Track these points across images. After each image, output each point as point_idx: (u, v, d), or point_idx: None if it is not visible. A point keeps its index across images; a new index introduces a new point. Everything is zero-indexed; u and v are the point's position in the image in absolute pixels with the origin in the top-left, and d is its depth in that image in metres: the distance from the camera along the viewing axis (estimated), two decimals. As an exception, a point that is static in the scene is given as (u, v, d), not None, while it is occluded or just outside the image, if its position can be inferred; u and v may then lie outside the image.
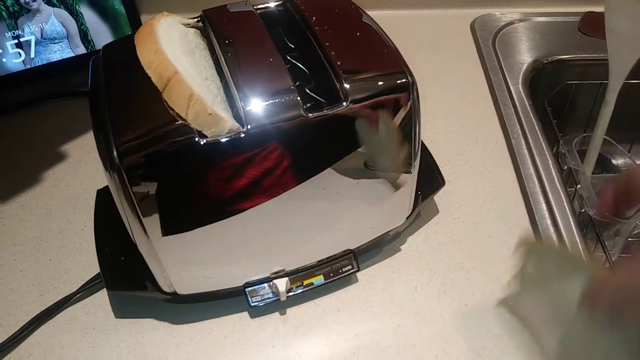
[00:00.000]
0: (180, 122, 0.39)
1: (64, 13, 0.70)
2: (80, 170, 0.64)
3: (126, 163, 0.38)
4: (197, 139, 0.38)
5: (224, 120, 0.38)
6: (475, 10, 0.84)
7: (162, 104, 0.39)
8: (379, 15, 0.50)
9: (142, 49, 0.41)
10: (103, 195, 0.55)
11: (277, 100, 0.40)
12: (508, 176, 0.63)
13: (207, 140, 0.38)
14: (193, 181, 0.41)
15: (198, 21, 0.48)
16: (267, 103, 0.40)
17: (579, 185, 0.65)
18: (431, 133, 0.67)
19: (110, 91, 0.42)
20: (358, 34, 0.47)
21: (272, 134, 0.40)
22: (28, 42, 0.70)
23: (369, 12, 0.50)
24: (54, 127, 0.69)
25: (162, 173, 0.40)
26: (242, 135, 0.39)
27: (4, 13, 0.68)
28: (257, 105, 0.40)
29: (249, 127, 0.39)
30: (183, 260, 0.46)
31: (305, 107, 0.40)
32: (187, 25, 0.46)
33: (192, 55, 0.42)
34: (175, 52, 0.40)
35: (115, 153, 0.38)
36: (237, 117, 0.40)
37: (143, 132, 0.39)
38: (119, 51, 0.46)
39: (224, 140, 0.39)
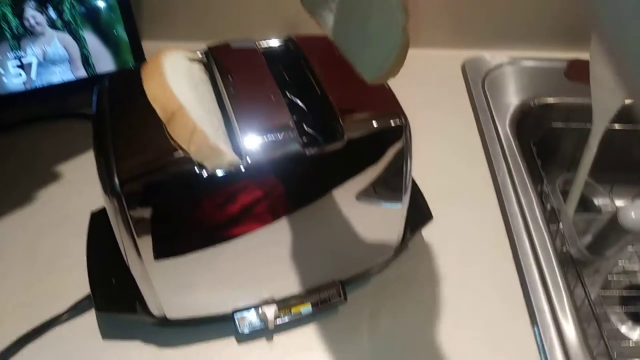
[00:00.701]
0: (181, 153, 0.40)
1: (67, 37, 0.72)
2: (74, 191, 0.65)
3: (127, 190, 0.39)
4: (197, 170, 0.40)
5: (224, 153, 0.40)
6: (466, 52, 0.87)
7: (165, 136, 0.40)
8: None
9: (149, 83, 0.42)
10: (97, 218, 0.56)
11: (276, 135, 0.42)
12: (493, 213, 0.65)
13: (207, 172, 0.40)
14: (189, 209, 0.42)
15: (202, 55, 0.50)
16: (266, 138, 0.41)
17: (561, 225, 0.68)
18: (420, 168, 0.68)
19: (114, 119, 0.44)
20: (355, 76, 0.49)
21: (270, 168, 0.42)
22: (30, 64, 0.71)
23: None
24: (49, 148, 0.70)
25: (160, 201, 0.41)
26: (241, 168, 0.41)
27: (7, 34, 0.69)
28: (256, 140, 0.41)
29: (248, 160, 0.41)
30: (174, 284, 0.46)
31: (302, 142, 0.42)
32: (192, 59, 0.48)
33: (196, 89, 0.44)
34: (180, 85, 0.42)
35: (116, 179, 0.40)
36: (236, 150, 0.42)
37: (145, 161, 0.40)
38: (125, 81, 0.47)
39: (222, 173, 0.40)
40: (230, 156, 0.40)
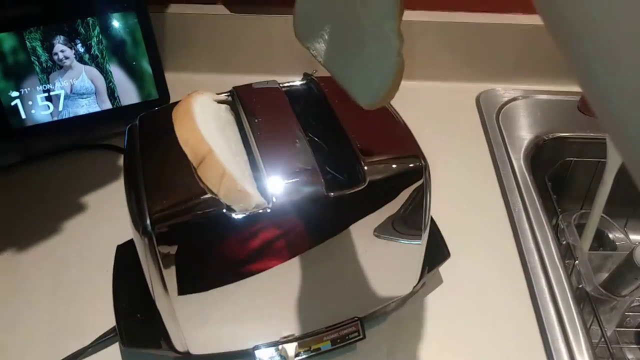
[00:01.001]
0: (210, 195, 0.41)
1: (94, 71, 0.74)
2: (99, 223, 0.66)
3: (158, 229, 0.41)
4: (226, 213, 0.41)
5: (252, 196, 0.41)
6: (481, 85, 0.88)
7: (194, 178, 0.42)
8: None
9: (180, 126, 0.44)
10: (123, 251, 0.57)
11: (300, 178, 0.43)
12: (509, 249, 0.65)
13: (235, 214, 0.41)
14: (215, 247, 0.44)
15: (228, 96, 0.52)
16: (291, 181, 0.43)
17: (577, 261, 0.68)
18: (436, 204, 0.69)
19: (145, 159, 0.45)
20: (374, 115, 0.51)
21: (293, 209, 0.43)
22: (57, 96, 0.74)
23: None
24: (75, 178, 0.72)
25: (189, 240, 0.42)
26: (268, 210, 0.42)
27: (37, 68, 0.72)
28: (282, 183, 0.43)
29: (274, 202, 0.42)
30: (198, 319, 0.48)
31: (325, 185, 0.44)
32: (219, 101, 0.50)
33: (223, 132, 0.46)
34: (209, 129, 0.44)
35: (148, 219, 0.41)
36: (262, 191, 0.43)
37: (176, 202, 0.42)
38: (155, 121, 0.49)
39: (250, 214, 0.42)
40: (257, 199, 0.42)
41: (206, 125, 0.44)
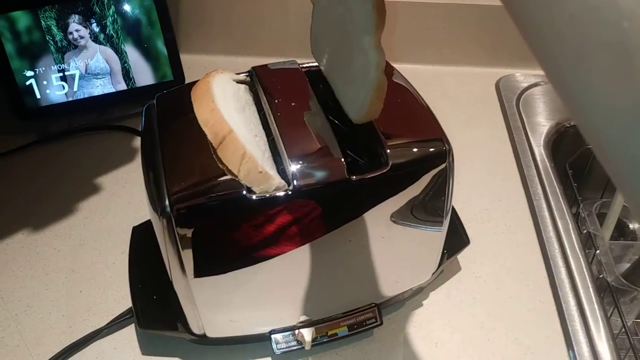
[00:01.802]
0: (230, 176, 0.41)
1: (109, 51, 0.73)
2: (114, 204, 0.66)
3: (177, 211, 0.40)
4: (245, 194, 0.40)
5: (273, 178, 0.40)
6: (501, 70, 0.87)
7: (214, 158, 0.41)
8: (405, 69, 0.53)
9: (199, 106, 0.43)
10: (138, 233, 0.57)
11: (322, 161, 0.42)
12: (529, 237, 0.64)
13: (255, 196, 0.41)
14: (234, 229, 0.43)
15: (247, 76, 0.51)
16: (313, 164, 0.42)
17: (598, 251, 0.67)
18: (455, 190, 0.68)
19: (163, 140, 0.45)
20: (397, 98, 0.50)
21: (314, 192, 0.42)
22: (72, 76, 0.73)
23: (396, 66, 0.53)
24: (90, 159, 0.71)
25: (208, 222, 0.42)
26: (289, 192, 0.41)
27: (52, 47, 0.71)
28: (303, 165, 0.42)
29: (295, 185, 0.41)
30: (216, 302, 0.47)
31: (347, 168, 0.42)
32: (238, 81, 0.49)
33: (243, 112, 0.45)
34: (229, 109, 0.43)
35: (167, 201, 0.40)
36: (283, 174, 0.42)
37: (195, 182, 0.41)
38: (173, 102, 0.48)
39: (270, 196, 0.41)
40: (277, 181, 0.41)
41: (226, 105, 0.43)
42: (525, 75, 0.86)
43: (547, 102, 0.82)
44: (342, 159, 0.42)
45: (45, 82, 0.72)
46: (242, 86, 0.49)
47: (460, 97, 0.83)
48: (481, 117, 0.80)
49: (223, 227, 0.43)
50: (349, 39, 0.41)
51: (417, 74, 0.54)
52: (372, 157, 0.45)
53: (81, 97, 0.74)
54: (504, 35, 0.85)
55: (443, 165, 0.46)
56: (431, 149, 0.45)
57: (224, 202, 0.41)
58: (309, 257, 0.46)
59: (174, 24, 0.77)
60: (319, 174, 0.42)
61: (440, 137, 0.46)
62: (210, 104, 0.42)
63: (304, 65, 0.52)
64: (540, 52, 0.22)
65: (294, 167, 0.42)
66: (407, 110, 0.49)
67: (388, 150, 0.44)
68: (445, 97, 0.83)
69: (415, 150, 0.45)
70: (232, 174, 0.40)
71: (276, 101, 0.46)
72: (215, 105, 0.42)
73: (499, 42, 0.86)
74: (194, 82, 0.48)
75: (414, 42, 0.86)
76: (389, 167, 0.43)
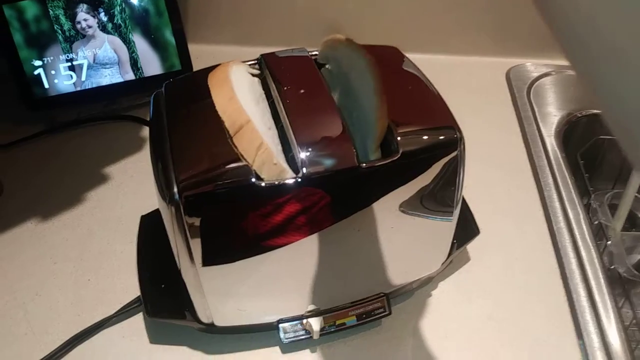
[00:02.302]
0: (238, 163, 0.40)
1: (117, 40, 0.73)
2: (122, 193, 0.66)
3: (185, 198, 0.40)
4: (255, 182, 0.40)
5: (286, 171, 0.40)
6: (512, 60, 0.86)
7: (222, 146, 0.41)
8: (416, 59, 0.53)
9: (217, 93, 0.43)
10: (147, 222, 0.57)
11: (332, 148, 0.42)
12: (540, 228, 0.63)
13: (264, 183, 0.40)
14: (244, 218, 0.43)
15: (255, 64, 0.50)
16: (322, 151, 0.41)
17: (609, 242, 0.66)
18: (466, 179, 0.68)
19: (171, 128, 0.44)
20: (409, 85, 0.49)
21: (325, 181, 0.42)
22: (80, 66, 0.73)
23: (408, 55, 0.53)
24: (99, 149, 0.71)
25: (217, 210, 0.41)
26: (298, 180, 0.41)
27: (60, 37, 0.71)
28: (313, 153, 0.41)
29: (304, 172, 0.41)
30: (224, 291, 0.47)
31: (357, 156, 0.42)
32: (253, 74, 0.49)
33: (257, 104, 0.45)
34: (246, 100, 0.43)
35: (175, 188, 0.40)
36: (292, 161, 0.42)
37: (203, 170, 0.40)
38: (182, 90, 0.48)
39: (279, 183, 0.41)
40: (289, 174, 0.41)
41: (243, 95, 0.43)
42: (535, 65, 0.85)
43: (558, 92, 0.81)
44: (352, 146, 0.42)
45: (53, 72, 0.72)
46: (256, 79, 0.49)
47: (470, 87, 0.82)
48: (491, 107, 0.79)
49: (231, 215, 0.42)
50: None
51: (426, 64, 0.53)
52: (382, 144, 0.45)
53: (89, 86, 0.74)
54: (515, 25, 0.84)
55: (454, 154, 0.45)
56: (442, 137, 0.45)
57: (233, 189, 0.40)
58: (317, 247, 0.46)
59: (182, 13, 0.76)
60: (329, 162, 0.41)
61: (451, 125, 0.45)
62: (229, 92, 0.42)
63: (313, 53, 0.52)
64: (572, 44, 0.21)
65: (303, 155, 0.41)
66: (418, 98, 0.48)
67: (399, 138, 0.43)
68: (455, 87, 0.81)
69: (426, 137, 0.44)
70: (246, 161, 0.40)
71: (285, 88, 0.46)
72: (234, 94, 0.42)
73: (509, 32, 0.85)
74: (203, 70, 0.48)
75: (423, 32, 0.85)
76: (399, 155, 0.43)
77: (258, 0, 0.83)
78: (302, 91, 0.46)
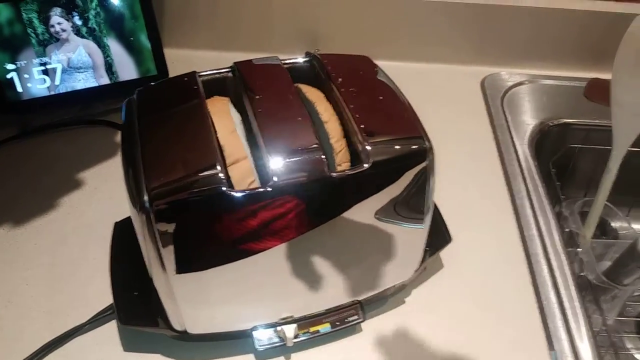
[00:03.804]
0: (209, 171, 0.40)
1: (92, 44, 0.72)
2: (96, 199, 0.65)
3: (156, 206, 0.40)
4: (225, 190, 0.40)
5: None
6: (486, 68, 0.87)
7: (193, 152, 0.41)
8: (391, 66, 0.53)
9: (218, 123, 0.45)
10: (120, 228, 0.56)
11: (302, 157, 0.42)
12: (511, 235, 0.64)
13: (235, 192, 0.40)
14: (214, 225, 0.43)
15: (228, 72, 0.50)
16: (293, 159, 0.42)
17: (579, 249, 0.67)
18: (438, 188, 0.68)
19: (143, 135, 0.44)
20: (379, 95, 0.50)
21: (295, 189, 0.42)
22: (54, 70, 0.72)
23: (382, 63, 0.53)
24: (72, 154, 0.71)
25: (188, 217, 0.41)
26: (268, 189, 0.41)
27: (33, 40, 0.70)
28: (283, 162, 0.42)
29: (274, 181, 0.41)
30: (197, 299, 0.47)
31: (328, 165, 0.42)
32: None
33: (239, 128, 0.46)
34: (242, 137, 0.46)
35: (145, 195, 0.40)
36: (262, 170, 0.42)
37: (175, 179, 0.40)
38: (154, 96, 0.48)
39: (250, 192, 0.41)
40: None
41: (240, 132, 0.46)
42: (510, 74, 0.87)
43: (532, 100, 0.83)
44: (323, 156, 0.42)
45: (26, 76, 0.71)
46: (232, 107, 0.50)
47: (445, 94, 0.83)
48: (466, 115, 0.80)
49: (203, 223, 0.42)
50: None
51: (402, 71, 0.54)
52: (353, 153, 0.45)
53: (63, 91, 0.73)
54: (490, 34, 0.85)
55: (424, 164, 0.46)
56: (412, 147, 0.45)
57: (204, 198, 0.40)
58: (290, 254, 0.46)
59: (158, 17, 0.76)
60: (299, 170, 0.42)
61: (420, 135, 0.46)
62: (231, 126, 0.45)
63: (286, 62, 0.52)
64: None
65: (273, 164, 0.41)
66: (389, 108, 0.49)
67: (369, 148, 0.44)
68: (430, 94, 0.83)
69: (396, 147, 0.45)
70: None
71: (257, 97, 0.46)
72: (234, 129, 0.45)
73: (485, 40, 0.86)
74: (175, 77, 0.48)
75: (399, 40, 0.86)
76: (370, 164, 0.43)
77: (234, 6, 0.83)
78: (273, 100, 0.46)
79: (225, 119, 0.45)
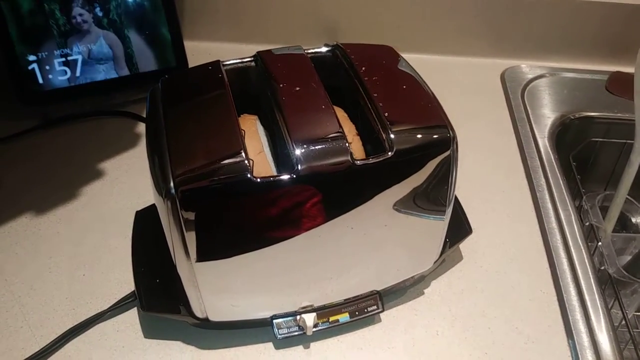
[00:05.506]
0: (234, 159, 0.41)
1: (112, 36, 0.73)
2: (116, 189, 0.66)
3: (181, 193, 0.40)
4: (250, 177, 0.40)
5: None
6: (506, 61, 0.86)
7: (217, 140, 0.41)
8: (412, 59, 0.53)
9: (248, 143, 0.45)
10: (142, 217, 0.57)
11: (326, 146, 0.42)
12: (532, 228, 0.64)
13: (259, 179, 0.41)
14: (238, 213, 0.43)
15: (251, 61, 0.51)
16: (317, 147, 0.42)
17: (600, 243, 0.67)
18: (459, 179, 0.68)
19: (168, 123, 0.44)
20: (403, 84, 0.50)
21: (319, 177, 0.42)
22: (75, 61, 0.73)
23: (404, 55, 0.53)
24: (93, 144, 0.71)
25: (212, 204, 0.42)
26: (292, 176, 0.41)
27: (55, 31, 0.71)
28: (307, 150, 0.42)
29: (298, 169, 0.41)
30: (219, 286, 0.47)
31: (352, 153, 0.42)
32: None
33: (266, 148, 0.47)
34: (269, 157, 0.46)
35: (172, 183, 0.40)
36: (286, 158, 0.42)
37: (200, 166, 0.41)
38: (178, 86, 0.48)
39: (274, 179, 0.41)
40: None
41: (267, 152, 0.46)
42: (530, 67, 0.86)
43: (552, 94, 0.82)
44: (347, 144, 0.42)
45: (48, 67, 0.71)
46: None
47: (465, 87, 0.83)
48: (486, 108, 0.80)
49: (227, 210, 0.43)
50: None
51: (422, 64, 0.54)
52: (376, 142, 0.45)
53: (84, 82, 0.73)
54: (510, 27, 0.84)
55: (447, 153, 0.46)
56: (435, 136, 0.45)
57: (229, 184, 0.41)
58: (311, 243, 0.46)
59: (179, 9, 0.76)
60: (323, 158, 0.42)
61: (445, 124, 0.46)
62: (259, 146, 0.45)
63: (310, 51, 0.52)
64: None
65: (297, 151, 0.41)
66: (412, 97, 0.48)
67: (392, 136, 0.44)
68: (450, 87, 0.82)
69: (419, 136, 0.45)
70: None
71: (281, 85, 0.46)
72: (263, 149, 0.45)
73: (505, 33, 0.85)
74: (199, 66, 0.48)
75: (420, 33, 0.86)
76: (393, 152, 0.43)
77: (255, -2, 0.83)
78: (297, 89, 0.46)
79: (253, 140, 0.46)
